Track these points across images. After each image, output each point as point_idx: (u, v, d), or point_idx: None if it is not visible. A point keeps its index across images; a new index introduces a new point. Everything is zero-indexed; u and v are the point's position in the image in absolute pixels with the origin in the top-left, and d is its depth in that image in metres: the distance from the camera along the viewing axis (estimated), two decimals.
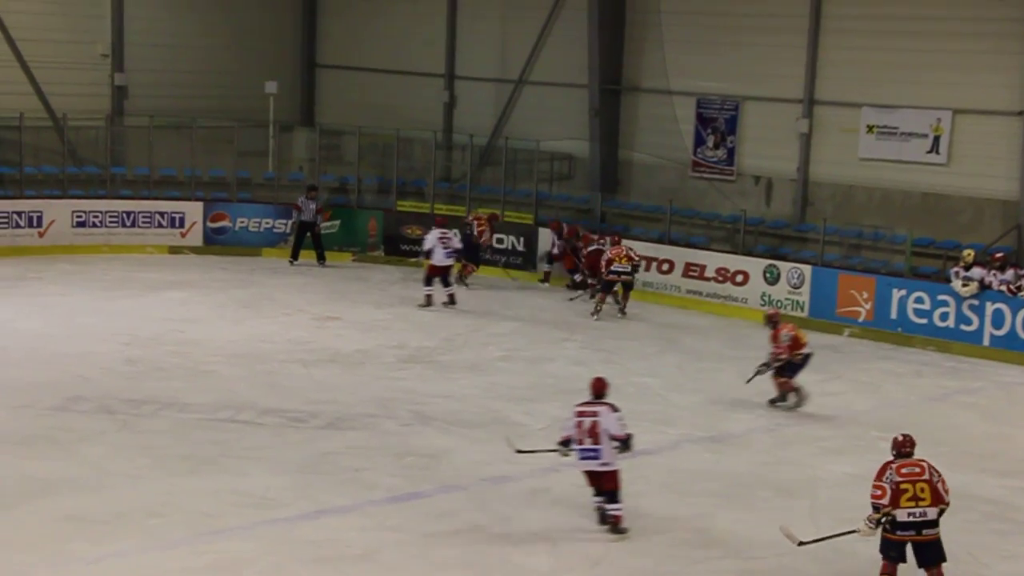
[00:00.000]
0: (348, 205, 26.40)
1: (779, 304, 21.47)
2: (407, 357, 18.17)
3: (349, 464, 13.41)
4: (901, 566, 10.50)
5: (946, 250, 21.13)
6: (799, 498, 13.07)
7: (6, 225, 24.11)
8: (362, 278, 23.94)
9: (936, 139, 21.57)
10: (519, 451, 12.82)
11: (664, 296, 22.56)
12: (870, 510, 10.54)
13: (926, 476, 10.48)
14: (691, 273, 22.56)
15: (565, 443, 12.02)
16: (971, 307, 19.63)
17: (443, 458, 13.78)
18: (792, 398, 16.26)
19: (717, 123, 24.26)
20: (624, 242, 22.06)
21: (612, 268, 21.19)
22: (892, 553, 10.51)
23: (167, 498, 12.17)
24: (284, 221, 25.32)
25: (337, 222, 25.78)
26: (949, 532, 12.11)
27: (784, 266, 21.66)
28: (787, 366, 16.14)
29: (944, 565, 10.49)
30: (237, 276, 23.45)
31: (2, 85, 25.44)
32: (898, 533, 10.44)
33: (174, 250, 25.20)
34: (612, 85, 25.32)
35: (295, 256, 24.64)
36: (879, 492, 10.50)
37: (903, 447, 10.73)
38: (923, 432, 15.51)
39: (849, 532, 10.95)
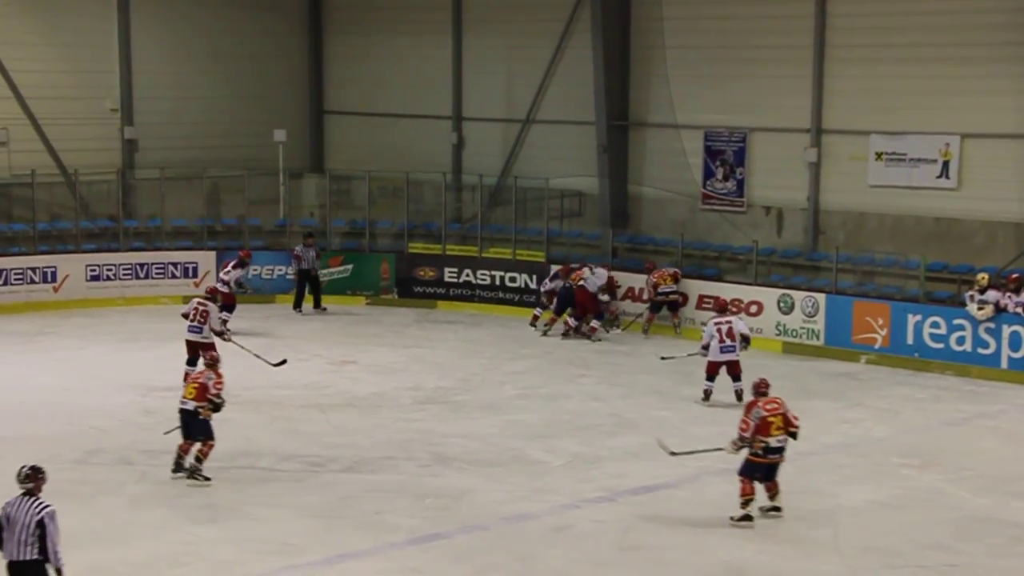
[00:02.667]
0: (360, 249, 26.47)
1: (794, 334, 21.45)
2: (424, 398, 18.15)
3: (369, 507, 13.38)
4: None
5: (960, 274, 21.09)
6: (822, 527, 12.98)
7: (21, 281, 24.23)
8: (376, 321, 23.97)
9: (946, 164, 21.58)
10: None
11: (679, 329, 22.51)
12: (895, 537, 11.73)
13: (782, 410, 12.89)
14: (705, 305, 22.48)
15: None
16: (988, 330, 19.56)
17: (463, 498, 13.73)
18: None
19: (726, 155, 24.31)
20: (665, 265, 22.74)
21: (659, 290, 22.23)
22: (758, 474, 12.82)
23: (189, 548, 12.16)
24: (287, 267, 25.42)
25: (349, 267, 25.85)
26: (974, 556, 12.08)
27: (798, 295, 21.63)
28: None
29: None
30: (251, 323, 23.43)
31: (14, 143, 25.60)
32: (769, 456, 12.77)
33: (188, 300, 25.12)
34: (619, 121, 25.40)
35: (298, 304, 24.65)
36: (744, 427, 12.84)
37: (760, 388, 13.13)
38: (945, 457, 15.57)
39: (717, 449, 13.25)
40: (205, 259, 25.66)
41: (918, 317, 20.30)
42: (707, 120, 24.48)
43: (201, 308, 18.62)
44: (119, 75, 27.37)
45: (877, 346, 20.65)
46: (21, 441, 15.58)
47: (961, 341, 19.84)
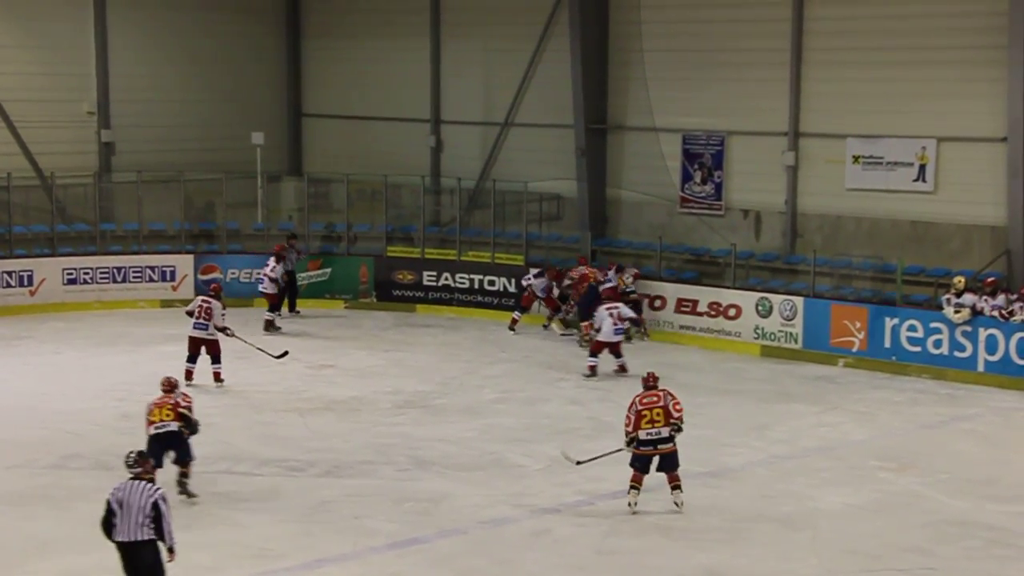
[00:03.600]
0: (338, 253, 26.42)
1: (772, 337, 21.50)
2: (403, 402, 18.13)
3: (348, 512, 13.36)
4: None
5: (937, 277, 21.18)
6: (801, 530, 13.02)
7: None
8: (355, 325, 23.93)
9: (922, 167, 21.66)
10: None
11: (657, 333, 22.56)
12: (873, 540, 12.02)
13: (661, 403, 13.35)
14: (683, 308, 22.57)
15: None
16: (964, 334, 19.64)
17: (442, 502, 13.73)
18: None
19: (704, 158, 24.36)
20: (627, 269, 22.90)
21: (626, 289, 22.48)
22: (637, 464, 13.36)
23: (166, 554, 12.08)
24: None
25: (328, 270, 25.80)
26: (951, 559, 12.16)
27: (776, 299, 21.68)
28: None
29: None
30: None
31: None
32: (640, 448, 13.31)
33: (166, 304, 25.15)
34: (598, 124, 25.43)
35: (291, 307, 24.57)
36: (627, 421, 13.44)
37: (647, 382, 13.69)
38: (922, 460, 15.64)
39: (617, 450, 13.69)
40: (183, 263, 25.57)
41: (895, 320, 20.38)
42: (685, 123, 24.52)
43: (205, 306, 19.10)
44: (96, 78, 27.29)
45: (855, 349, 20.72)
46: None
47: (938, 344, 19.92)
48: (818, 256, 21.99)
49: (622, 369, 19.80)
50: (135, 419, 16.82)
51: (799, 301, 21.39)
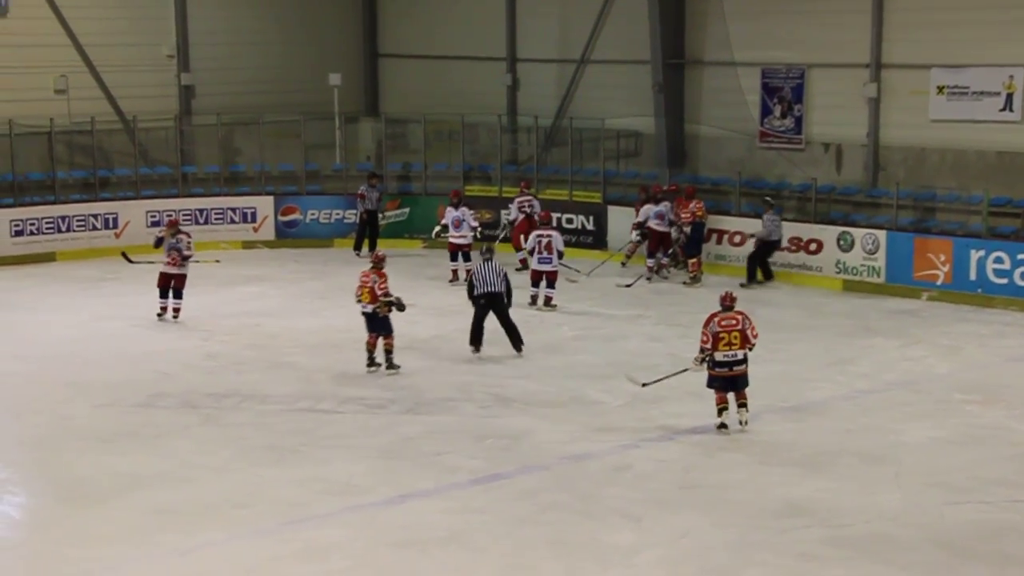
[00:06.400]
0: (416, 193, 26.50)
1: (854, 271, 21.27)
2: (484, 339, 18.15)
3: (430, 448, 13.47)
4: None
5: (1023, 208, 20.78)
6: (884, 464, 12.92)
7: (83, 228, 24.54)
8: (434, 264, 23.99)
9: (1009, 96, 21.19)
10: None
11: (737, 268, 22.38)
12: (958, 473, 11.88)
13: (739, 327, 13.57)
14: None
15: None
16: None
17: (523, 439, 13.80)
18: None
19: (783, 92, 24.03)
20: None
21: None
22: (717, 384, 13.69)
23: (253, 488, 12.32)
24: (354, 212, 25.44)
25: (406, 210, 25.91)
26: None
27: (858, 233, 21.41)
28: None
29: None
30: (310, 268, 23.65)
31: (73, 91, 25.80)
32: (716, 369, 13.59)
33: (247, 245, 25.46)
34: (675, 59, 25.16)
35: (358, 246, 24.74)
36: (704, 339, 13.67)
37: (724, 302, 13.85)
38: (1008, 393, 15.44)
39: (683, 371, 14.15)
40: (263, 204, 25.82)
41: (981, 253, 20.05)
42: (764, 57, 24.18)
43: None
44: (175, 21, 27.48)
45: (939, 283, 20.43)
46: (87, 386, 15.85)
47: None
48: (901, 189, 21.67)
49: (547, 301, 19.91)
50: (220, 358, 17.19)
51: (881, 235, 21.12)
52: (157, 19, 27.37)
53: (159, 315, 19.21)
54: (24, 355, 17.39)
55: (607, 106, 25.85)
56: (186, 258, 19.17)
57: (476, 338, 17.30)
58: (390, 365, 16.23)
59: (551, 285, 19.99)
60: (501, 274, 17.27)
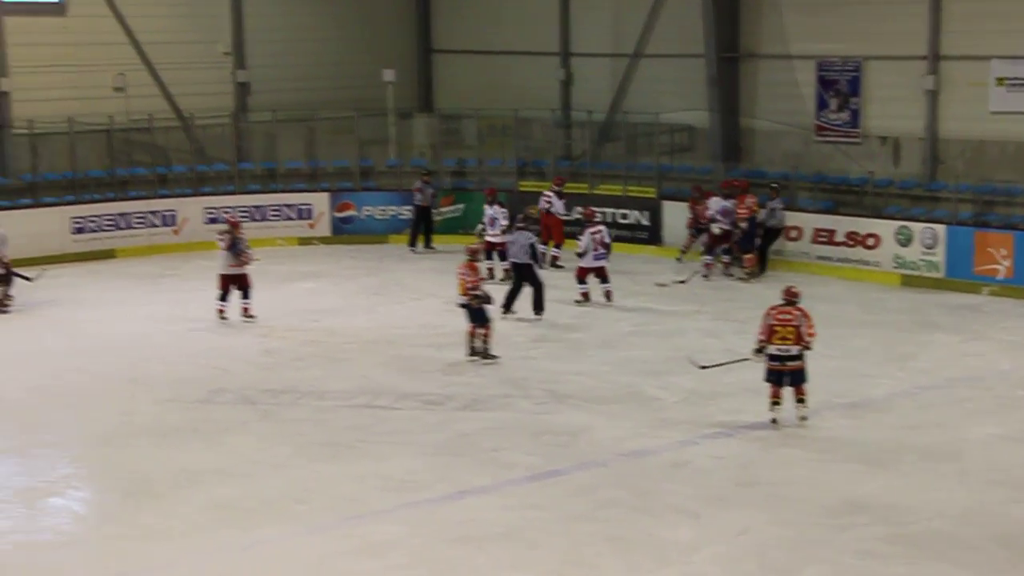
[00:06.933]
0: (470, 188, 26.54)
1: (913, 266, 21.06)
2: (538, 336, 18.20)
3: (487, 444, 13.49)
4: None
5: None
6: (946, 461, 12.80)
7: (142, 225, 24.80)
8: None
9: None
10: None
11: (793, 263, 22.25)
12: (1019, 469, 12.04)
13: (795, 323, 13.52)
14: (820, 239, 22.22)
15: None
16: None
17: (580, 435, 13.78)
18: None
19: (839, 85, 23.82)
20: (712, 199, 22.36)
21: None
22: (771, 378, 13.68)
23: (311, 484, 12.39)
24: (408, 207, 25.52)
25: (461, 206, 25.94)
26: None
27: (916, 227, 21.20)
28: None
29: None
30: (366, 264, 23.75)
31: (131, 88, 26.04)
32: (771, 363, 13.62)
33: (303, 241, 25.62)
34: (730, 53, 25.01)
35: (413, 242, 24.82)
36: (761, 329, 13.72)
37: (785, 296, 13.79)
38: None
39: (743, 360, 14.22)
40: (319, 200, 25.96)
41: None
42: (820, 49, 23.98)
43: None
44: (230, 19, 27.67)
45: (1000, 277, 20.19)
46: (148, 381, 16.02)
47: None
48: (960, 182, 21.42)
49: (609, 296, 19.94)
50: (277, 354, 17.31)
51: (941, 229, 20.90)
52: (213, 17, 27.59)
53: (223, 318, 19.05)
54: (86, 351, 17.60)
55: (661, 100, 25.75)
56: (245, 258, 19.03)
57: (506, 303, 18.85)
58: (486, 355, 16.57)
59: (607, 280, 19.93)
60: (525, 245, 18.78)
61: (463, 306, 16.71)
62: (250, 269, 19.14)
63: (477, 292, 16.60)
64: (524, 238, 19.22)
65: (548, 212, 23.05)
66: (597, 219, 21.06)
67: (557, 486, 12.30)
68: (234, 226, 19.37)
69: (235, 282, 19.04)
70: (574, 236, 21.38)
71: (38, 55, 25.09)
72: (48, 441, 13.99)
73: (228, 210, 23.18)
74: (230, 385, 15.80)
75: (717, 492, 12.04)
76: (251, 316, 19.00)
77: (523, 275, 19.03)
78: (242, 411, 14.81)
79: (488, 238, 21.88)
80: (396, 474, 12.64)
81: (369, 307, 20.22)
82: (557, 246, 22.88)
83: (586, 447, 13.42)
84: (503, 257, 21.44)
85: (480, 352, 16.65)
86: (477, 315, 16.66)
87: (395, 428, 14.12)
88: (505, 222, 21.85)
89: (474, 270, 16.75)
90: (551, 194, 23.43)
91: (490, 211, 22.11)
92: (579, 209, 22.25)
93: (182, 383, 15.87)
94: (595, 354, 17.19)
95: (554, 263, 22.51)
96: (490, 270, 21.70)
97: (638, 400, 15.04)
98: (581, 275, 20.04)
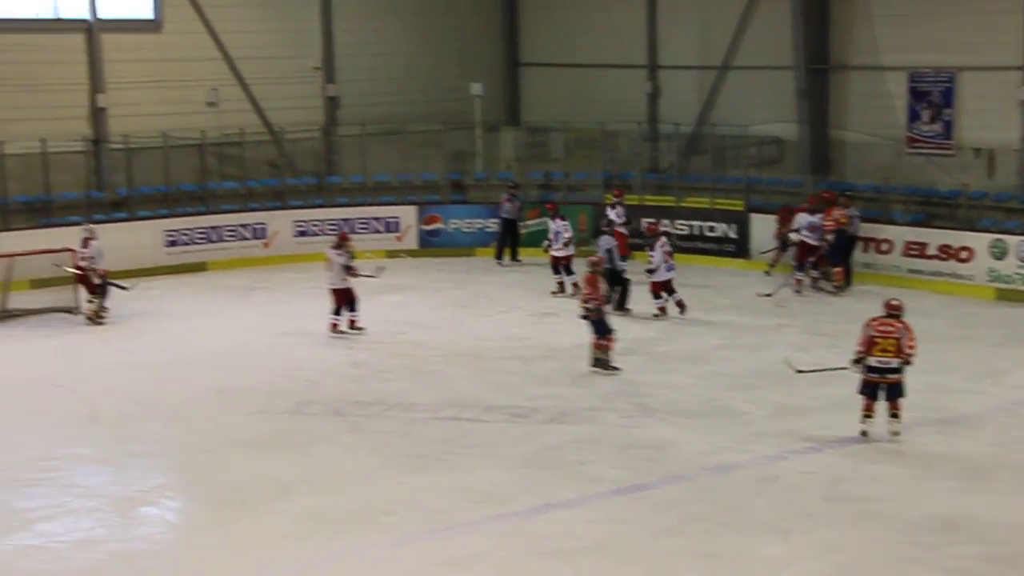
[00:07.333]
0: (557, 202, 26.46)
1: (1008, 280, 20.70)
2: (625, 349, 18.08)
3: (574, 458, 13.48)
4: None
5: None
6: None
7: (233, 237, 25.15)
8: (576, 272, 23.96)
9: None
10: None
11: (884, 276, 21.96)
12: None
13: (896, 335, 13.42)
14: (911, 252, 21.92)
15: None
16: None
17: (667, 449, 13.72)
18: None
19: (932, 96, 23.48)
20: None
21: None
22: (867, 390, 13.55)
23: (399, 496, 12.47)
24: (495, 220, 25.61)
25: (546, 219, 25.91)
26: None
27: (1012, 240, 20.83)
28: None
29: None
30: (453, 276, 23.86)
31: (223, 103, 26.45)
32: (868, 375, 13.48)
33: (391, 254, 25.80)
34: (819, 64, 24.78)
35: (499, 255, 24.90)
36: (861, 340, 13.58)
37: (888, 308, 13.69)
38: None
39: (841, 368, 13.95)
40: (406, 213, 26.15)
41: None
42: (912, 60, 23.67)
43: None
44: (320, 34, 27.99)
45: None
46: (239, 392, 16.25)
47: None
48: None
49: (680, 306, 19.97)
50: (365, 367, 17.45)
51: None
52: (303, 32, 27.93)
53: (338, 332, 19.10)
54: (179, 363, 17.88)
55: (749, 113, 25.60)
56: (354, 272, 19.14)
57: (616, 307, 19.49)
58: (606, 366, 16.66)
59: (673, 290, 20.04)
60: (603, 250, 19.51)
61: (583, 318, 16.83)
62: (354, 282, 19.23)
63: (588, 305, 16.66)
64: (604, 242, 19.93)
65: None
66: (661, 231, 21.16)
67: (643, 500, 12.26)
68: (345, 240, 19.57)
69: (344, 295, 19.19)
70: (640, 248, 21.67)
71: (133, 71, 25.62)
72: (142, 451, 14.23)
73: (317, 223, 23.39)
74: (319, 397, 15.96)
75: (806, 508, 11.92)
76: (359, 328, 19.15)
77: (610, 280, 19.14)
78: (331, 423, 14.95)
79: (553, 252, 21.90)
80: (482, 487, 12.68)
81: (456, 320, 20.31)
82: (623, 258, 22.65)
83: (673, 461, 13.36)
84: (569, 271, 21.45)
85: (601, 363, 16.70)
86: (598, 326, 16.74)
87: (481, 440, 14.17)
88: (568, 235, 21.86)
89: (591, 282, 16.75)
90: (611, 210, 23.34)
91: (553, 226, 22.19)
92: (646, 222, 22.43)
93: (272, 395, 16.06)
94: (682, 367, 17.12)
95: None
96: (560, 284, 21.69)
97: (725, 414, 14.94)
98: (656, 290, 20.03)
